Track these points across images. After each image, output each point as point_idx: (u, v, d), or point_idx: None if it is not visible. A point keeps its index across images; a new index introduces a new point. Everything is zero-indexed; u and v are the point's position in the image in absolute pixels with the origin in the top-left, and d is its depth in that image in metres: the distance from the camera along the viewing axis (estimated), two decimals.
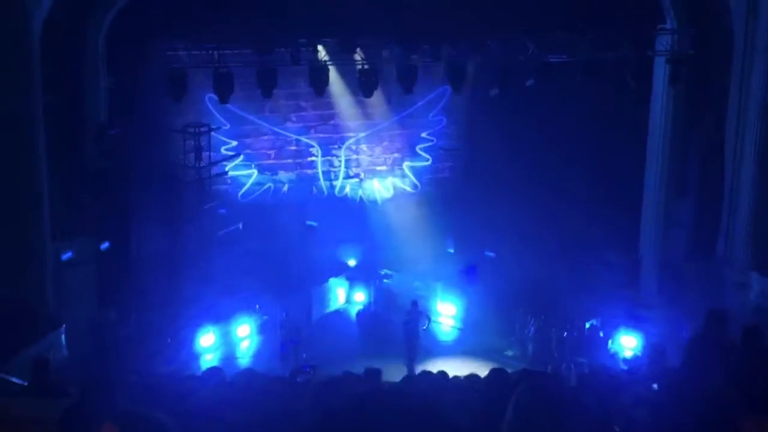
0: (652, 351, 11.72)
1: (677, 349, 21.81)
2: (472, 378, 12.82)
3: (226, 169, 26.28)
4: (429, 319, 24.15)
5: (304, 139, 27.68)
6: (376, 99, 25.87)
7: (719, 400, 6.06)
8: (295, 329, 22.74)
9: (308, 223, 26.91)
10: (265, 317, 24.27)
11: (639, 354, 22.29)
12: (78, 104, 21.67)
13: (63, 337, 20.26)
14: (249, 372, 12.66)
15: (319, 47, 23.14)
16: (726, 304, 23.28)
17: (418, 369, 21.47)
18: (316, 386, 11.11)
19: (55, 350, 19.88)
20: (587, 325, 23.78)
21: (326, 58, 23.12)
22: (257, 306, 24.72)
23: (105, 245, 20.90)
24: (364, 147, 28.54)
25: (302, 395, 10.45)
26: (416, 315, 23.54)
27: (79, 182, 21.72)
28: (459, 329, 25.71)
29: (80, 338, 21.53)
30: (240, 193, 26.93)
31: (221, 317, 23.93)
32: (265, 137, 27.14)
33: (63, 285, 21.06)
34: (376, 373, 12.04)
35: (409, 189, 28.96)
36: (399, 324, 24.07)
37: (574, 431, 4.54)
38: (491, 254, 27.03)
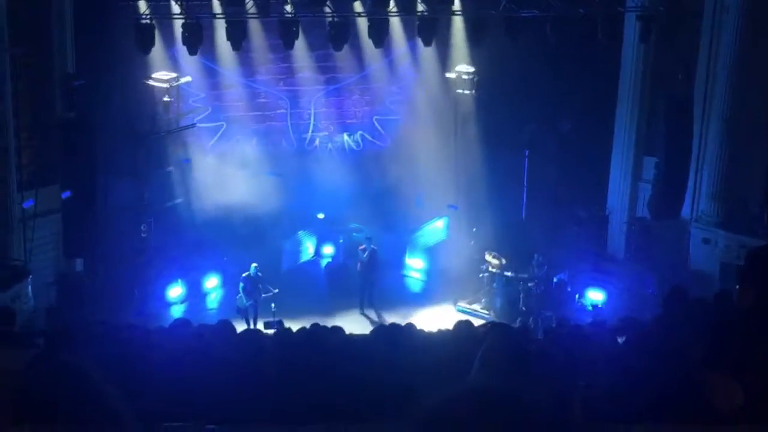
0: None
1: (642, 303, 22.16)
2: (440, 331, 12.89)
3: (195, 121, 26.06)
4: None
5: (273, 91, 27.51)
6: (347, 52, 25.72)
7: (686, 354, 6.11)
8: (258, 285, 22.63)
9: (271, 172, 26.76)
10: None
11: (604, 307, 22.55)
12: (45, 56, 21.43)
13: (29, 287, 20.18)
14: (218, 324, 12.65)
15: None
16: (691, 259, 23.57)
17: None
18: (284, 339, 11.13)
19: (22, 300, 19.81)
20: (555, 279, 23.97)
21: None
22: (225, 258, 24.69)
23: (66, 194, 20.70)
24: (333, 100, 28.40)
25: (270, 348, 10.46)
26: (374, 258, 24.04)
27: (46, 133, 21.53)
28: (426, 282, 25.85)
29: (47, 288, 21.48)
30: (209, 145, 26.74)
31: (189, 269, 23.90)
32: (234, 89, 26.91)
33: (30, 235, 20.93)
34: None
35: (378, 143, 28.88)
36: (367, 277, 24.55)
37: (539, 383, 4.57)
38: (455, 207, 27.12)
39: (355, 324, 22.60)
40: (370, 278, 24.39)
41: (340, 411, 6.97)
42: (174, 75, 24.46)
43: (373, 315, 23.83)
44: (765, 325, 5.96)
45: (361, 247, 25.00)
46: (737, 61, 22.39)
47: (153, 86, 24.27)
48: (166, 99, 24.37)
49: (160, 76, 24.17)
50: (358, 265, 24.77)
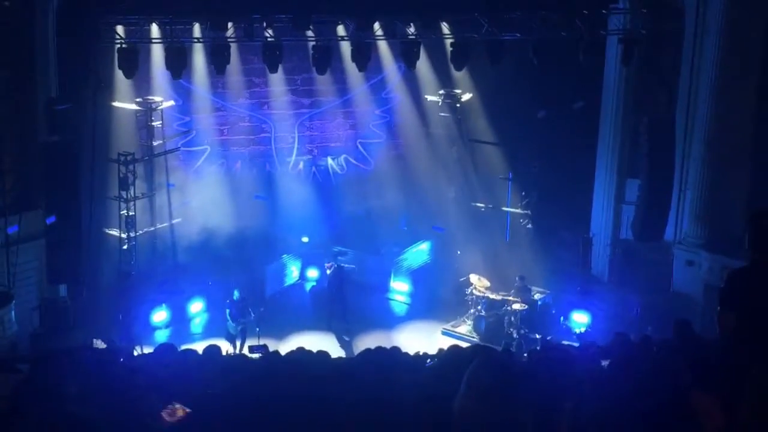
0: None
1: (627, 326, 22.17)
2: (426, 355, 12.90)
3: (179, 145, 26.06)
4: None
5: (257, 115, 27.54)
6: (330, 76, 25.82)
7: (671, 375, 6.14)
8: (245, 309, 22.58)
9: (257, 196, 26.81)
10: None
11: (589, 329, 22.57)
12: (28, 80, 21.39)
13: (13, 312, 20.07)
14: (205, 349, 12.64)
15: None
16: (675, 281, 23.64)
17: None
18: (269, 364, 11.12)
19: (5, 325, 19.70)
20: (539, 302, 24.01)
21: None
22: (209, 283, 24.64)
23: (51, 219, 20.64)
24: (317, 123, 28.46)
25: (255, 372, 10.45)
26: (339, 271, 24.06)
27: (30, 158, 21.48)
28: (411, 305, 25.86)
29: (31, 313, 21.37)
30: (193, 169, 26.73)
31: (174, 294, 23.84)
32: (218, 113, 26.94)
33: (13, 260, 20.83)
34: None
35: (362, 166, 28.94)
36: (351, 301, 24.63)
37: (525, 406, 4.57)
38: (441, 229, 27.22)
39: (339, 347, 22.62)
40: (338, 295, 24.38)
41: None
42: (158, 99, 24.49)
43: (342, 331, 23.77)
44: (745, 346, 6.00)
45: (327, 265, 25.07)
46: (718, 83, 22.52)
47: (135, 110, 24.28)
48: (154, 123, 24.40)
49: (143, 100, 24.21)
50: (326, 282, 24.94)
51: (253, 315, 22.32)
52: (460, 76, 25.99)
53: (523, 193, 26.56)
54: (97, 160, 22.48)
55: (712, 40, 22.51)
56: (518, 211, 26.71)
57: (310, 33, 22.96)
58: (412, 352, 13.96)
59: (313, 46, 22.86)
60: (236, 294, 22.57)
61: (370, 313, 24.83)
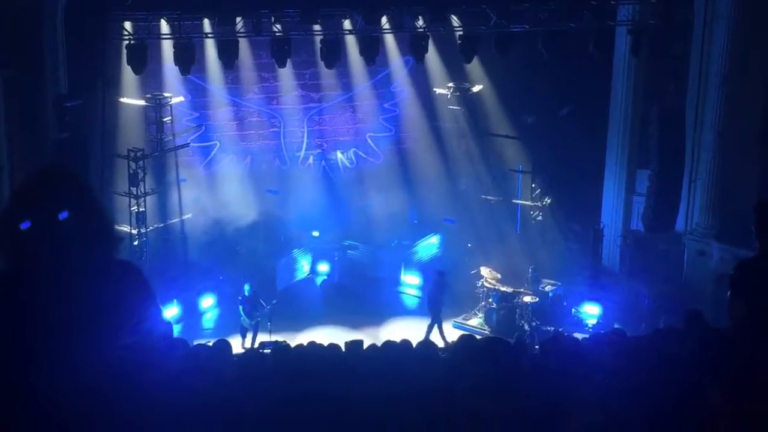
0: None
1: (637, 316, 22.15)
2: (437, 347, 12.88)
3: (188, 140, 26.10)
4: (450, 290, 23.95)
5: (266, 110, 27.56)
6: (338, 70, 25.83)
7: (682, 366, 6.13)
8: (258, 302, 22.61)
9: (268, 190, 26.84)
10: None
11: (600, 321, 22.54)
12: (37, 77, 21.41)
13: None
14: (216, 344, 12.64)
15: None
16: (686, 272, 23.58)
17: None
18: (281, 359, 11.12)
19: None
20: (550, 294, 23.98)
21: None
22: (221, 278, 24.68)
23: (64, 215, 20.67)
24: (326, 118, 28.47)
25: (268, 367, 10.45)
26: (442, 285, 23.47)
27: (40, 154, 21.51)
28: (421, 298, 25.83)
29: None
30: (203, 164, 26.78)
31: (185, 289, 23.87)
32: (228, 108, 26.97)
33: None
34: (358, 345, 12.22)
35: (371, 159, 28.94)
36: (362, 294, 24.72)
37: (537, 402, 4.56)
38: (452, 221, 27.22)
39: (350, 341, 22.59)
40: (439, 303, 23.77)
41: (339, 429, 6.97)
42: (167, 95, 24.53)
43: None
44: (756, 335, 5.98)
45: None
46: (728, 72, 22.45)
47: (144, 106, 24.33)
48: (163, 119, 24.44)
49: (153, 96, 24.26)
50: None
51: (267, 307, 22.35)
52: (470, 68, 25.98)
53: (534, 185, 26.55)
54: (106, 156, 22.51)
55: (722, 29, 22.42)
56: (529, 203, 26.69)
57: (317, 27, 22.96)
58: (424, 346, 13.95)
59: (321, 40, 22.86)
60: (247, 289, 22.60)
61: (380, 307, 24.80)
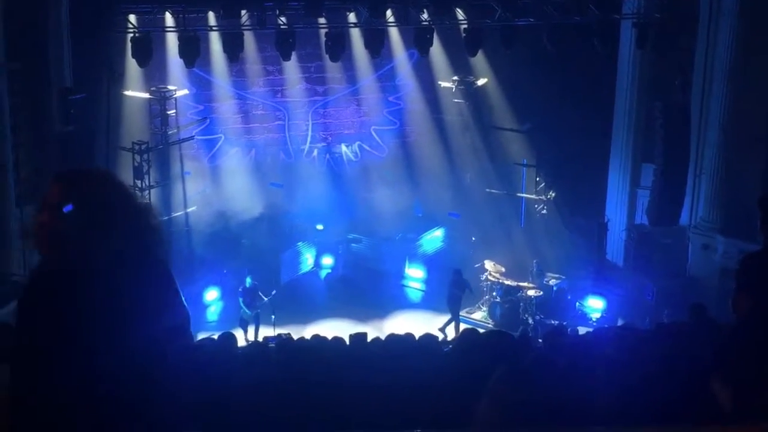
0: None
1: (641, 310, 22.14)
2: (440, 340, 12.92)
3: (193, 134, 26.11)
4: (469, 287, 23.92)
5: (270, 103, 27.56)
6: (343, 63, 25.82)
7: (687, 359, 6.13)
8: (257, 295, 22.63)
9: (272, 183, 26.85)
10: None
11: (604, 315, 22.55)
12: (42, 70, 21.43)
13: None
14: (219, 337, 12.67)
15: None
16: (690, 266, 23.57)
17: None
18: (285, 352, 11.14)
19: None
20: (554, 287, 23.99)
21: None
22: (225, 271, 24.69)
23: (68, 208, 20.69)
24: (331, 111, 28.48)
25: (272, 360, 10.47)
26: (461, 283, 23.43)
27: (44, 147, 21.54)
28: (426, 291, 25.84)
29: None
30: (207, 157, 26.80)
31: (189, 282, 23.88)
32: (233, 102, 26.98)
33: (29, 251, 20.90)
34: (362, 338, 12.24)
35: (376, 153, 28.94)
36: (366, 287, 24.78)
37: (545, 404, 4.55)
38: (456, 215, 27.22)
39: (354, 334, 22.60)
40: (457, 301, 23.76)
41: (344, 421, 6.99)
42: (172, 88, 24.55)
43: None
44: (760, 329, 5.98)
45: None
46: (734, 66, 22.41)
47: (149, 99, 24.36)
48: (169, 112, 24.47)
49: (157, 89, 24.29)
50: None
51: (265, 299, 22.38)
52: (474, 61, 25.98)
53: (538, 179, 26.56)
54: (111, 149, 22.53)
55: (728, 22, 22.38)
56: (533, 197, 26.70)
57: (322, 20, 22.96)
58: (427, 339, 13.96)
59: (326, 33, 22.86)
60: (249, 281, 22.62)
61: (384, 300, 24.81)
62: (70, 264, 3.95)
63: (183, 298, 4.34)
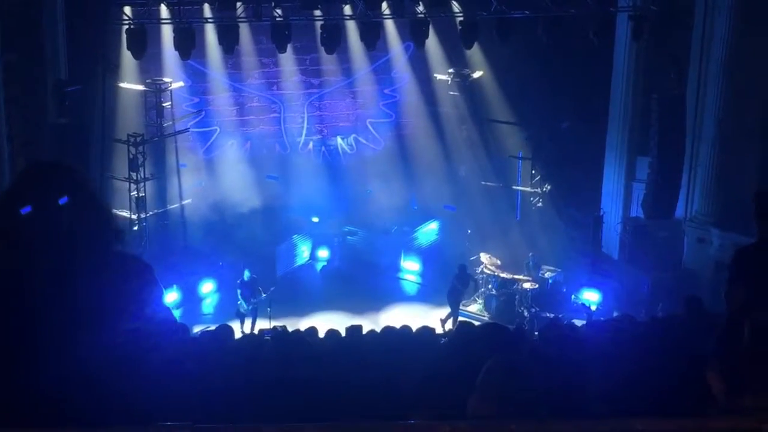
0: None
1: (636, 303, 22.16)
2: (435, 333, 12.93)
3: (188, 126, 26.09)
4: (474, 282, 23.92)
5: (266, 95, 27.55)
6: (339, 56, 25.81)
7: (683, 350, 6.15)
8: (256, 289, 22.63)
9: (269, 176, 26.86)
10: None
11: (600, 307, 22.57)
12: (37, 62, 21.38)
13: None
14: (217, 329, 12.68)
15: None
16: (686, 258, 23.60)
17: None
18: (281, 344, 11.14)
19: None
20: (550, 280, 24.00)
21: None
22: (220, 263, 24.69)
23: (64, 200, 20.65)
24: (327, 103, 28.47)
25: (268, 352, 10.48)
26: (464, 278, 23.38)
27: (39, 139, 21.51)
28: (421, 284, 25.87)
29: None
30: (203, 150, 26.79)
31: (184, 274, 23.88)
32: (228, 94, 26.96)
33: None
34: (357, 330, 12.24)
35: (371, 146, 28.94)
36: (362, 279, 24.84)
37: (538, 395, 4.55)
38: (452, 208, 27.25)
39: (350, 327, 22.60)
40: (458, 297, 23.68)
41: (340, 413, 6.99)
42: (167, 80, 24.52)
43: None
44: (753, 322, 5.99)
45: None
46: (729, 59, 22.40)
47: (144, 91, 24.33)
48: (164, 104, 24.44)
49: (153, 81, 24.25)
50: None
51: (264, 295, 22.39)
52: (470, 54, 25.98)
53: (533, 172, 26.58)
54: (106, 141, 22.50)
55: (724, 16, 22.37)
56: (529, 189, 26.72)
57: (318, 12, 22.94)
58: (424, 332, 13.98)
59: (322, 25, 22.84)
60: (247, 274, 22.62)
61: (380, 293, 24.82)
62: (25, 263, 3.91)
63: (161, 290, 4.31)
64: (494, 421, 4.13)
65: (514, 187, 27.21)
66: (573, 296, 23.54)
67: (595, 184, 25.69)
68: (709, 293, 19.36)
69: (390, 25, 26.07)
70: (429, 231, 27.87)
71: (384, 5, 22.96)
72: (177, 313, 23.08)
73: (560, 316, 21.22)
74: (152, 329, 4.27)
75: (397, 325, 12.50)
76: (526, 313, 22.78)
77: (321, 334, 12.94)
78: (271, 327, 20.20)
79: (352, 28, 24.59)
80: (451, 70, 27.05)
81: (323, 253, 27.03)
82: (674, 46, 23.62)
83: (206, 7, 23.15)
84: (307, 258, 27.23)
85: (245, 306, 22.40)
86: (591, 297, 23.10)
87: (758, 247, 6.36)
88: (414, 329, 12.81)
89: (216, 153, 26.94)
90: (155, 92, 24.35)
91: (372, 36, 22.82)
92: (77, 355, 3.87)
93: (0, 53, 19.86)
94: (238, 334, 18.14)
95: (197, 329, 16.96)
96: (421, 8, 23.26)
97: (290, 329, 15.23)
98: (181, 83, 25.22)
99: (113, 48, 22.77)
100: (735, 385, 5.67)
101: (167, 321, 4.38)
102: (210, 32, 24.31)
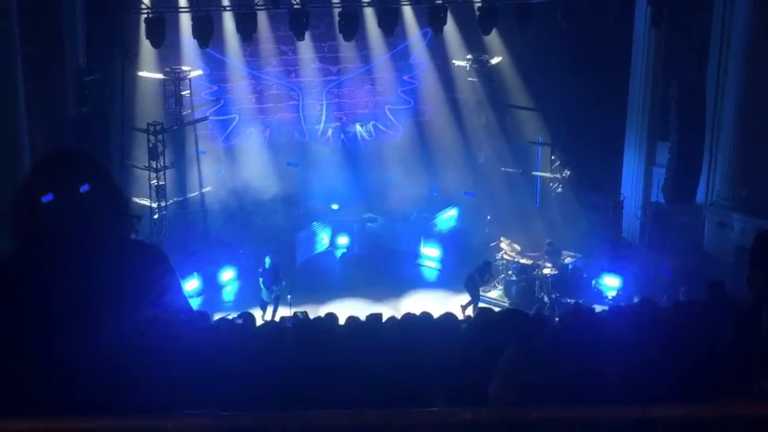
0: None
1: (657, 288, 22.08)
2: (456, 319, 12.90)
3: (207, 114, 26.14)
4: (490, 275, 23.89)
5: (285, 83, 27.55)
6: (357, 43, 25.78)
7: (707, 335, 6.11)
8: (278, 276, 22.69)
9: (289, 163, 26.89)
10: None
11: (620, 293, 22.52)
12: (57, 52, 21.47)
13: None
14: (238, 316, 12.72)
15: None
16: (707, 243, 23.50)
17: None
18: (302, 332, 11.17)
19: None
20: (570, 266, 23.94)
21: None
22: (240, 251, 24.76)
23: (85, 188, 20.74)
24: (345, 90, 28.46)
25: (289, 340, 10.51)
26: (483, 273, 23.33)
27: (60, 129, 21.60)
28: (441, 270, 25.85)
29: None
30: (222, 138, 26.84)
31: (205, 262, 23.95)
32: (247, 82, 26.98)
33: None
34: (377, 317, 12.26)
35: (390, 132, 28.92)
36: (382, 266, 24.88)
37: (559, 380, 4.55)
38: (473, 194, 27.22)
39: (370, 314, 22.62)
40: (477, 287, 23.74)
41: (361, 399, 7.01)
42: (186, 68, 24.56)
43: None
44: None
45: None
46: (750, 44, 22.27)
47: (163, 80, 24.38)
48: (183, 92, 24.49)
49: (171, 70, 24.30)
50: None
51: (284, 282, 22.44)
52: (488, 40, 25.90)
53: (553, 157, 26.50)
54: (126, 130, 22.57)
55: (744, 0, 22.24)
56: (548, 175, 26.65)
57: None
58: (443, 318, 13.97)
59: (340, 12, 22.82)
60: (268, 261, 22.68)
61: (400, 279, 24.83)
62: (45, 252, 3.93)
63: (178, 278, 4.33)
64: (516, 408, 4.13)
65: (534, 173, 27.15)
66: (593, 281, 23.49)
67: (615, 169, 25.60)
68: (731, 278, 19.29)
69: (408, 12, 26.01)
70: (449, 217, 27.84)
71: None
72: (198, 301, 23.21)
73: (580, 301, 21.16)
74: (171, 317, 4.29)
75: (417, 312, 12.48)
76: (546, 299, 22.76)
77: (341, 321, 12.96)
78: (293, 313, 20.27)
79: (369, 14, 24.57)
80: (469, 56, 27.00)
81: (343, 240, 27.05)
82: (694, 30, 23.49)
83: None
84: (327, 245, 27.24)
85: (267, 294, 22.47)
86: (611, 282, 23.05)
87: None
88: (434, 316, 12.81)
89: (235, 141, 26.97)
90: (174, 81, 24.38)
91: (390, 22, 22.79)
92: (96, 342, 3.89)
93: (20, 46, 19.95)
94: (259, 322, 18.25)
95: (217, 317, 16.98)
96: None
97: (311, 316, 15.27)
98: (199, 71, 25.25)
99: (132, 37, 22.82)
100: (754, 372, 5.64)
101: (186, 309, 4.39)
102: (228, 20, 24.31)
